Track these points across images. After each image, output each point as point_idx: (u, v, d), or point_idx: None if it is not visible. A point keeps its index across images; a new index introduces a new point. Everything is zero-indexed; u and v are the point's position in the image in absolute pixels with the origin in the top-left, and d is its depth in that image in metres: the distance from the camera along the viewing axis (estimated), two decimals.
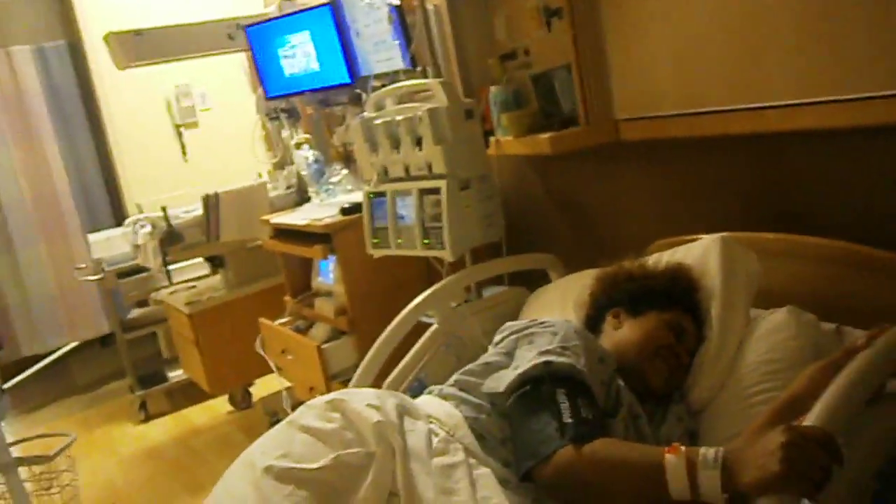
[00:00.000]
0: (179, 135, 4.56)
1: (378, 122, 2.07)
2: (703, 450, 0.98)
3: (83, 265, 3.86)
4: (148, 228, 3.18)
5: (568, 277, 1.92)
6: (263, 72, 3.18)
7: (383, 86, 2.39)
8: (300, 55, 2.96)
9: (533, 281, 2.02)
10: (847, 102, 1.38)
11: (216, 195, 3.14)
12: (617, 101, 1.92)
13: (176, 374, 3.82)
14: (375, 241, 2.17)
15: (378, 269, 2.31)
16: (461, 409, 1.27)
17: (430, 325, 1.87)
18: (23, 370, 4.11)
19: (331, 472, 1.12)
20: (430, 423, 1.24)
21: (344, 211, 2.48)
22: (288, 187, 3.36)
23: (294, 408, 1.32)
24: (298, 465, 1.13)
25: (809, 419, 0.95)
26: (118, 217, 4.35)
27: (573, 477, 1.09)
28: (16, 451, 2.32)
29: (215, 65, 4.18)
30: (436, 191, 1.96)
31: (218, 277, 3.51)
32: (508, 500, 1.11)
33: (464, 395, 1.31)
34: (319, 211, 2.70)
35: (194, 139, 4.57)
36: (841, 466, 0.90)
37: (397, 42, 2.47)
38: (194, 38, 3.34)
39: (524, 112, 2.14)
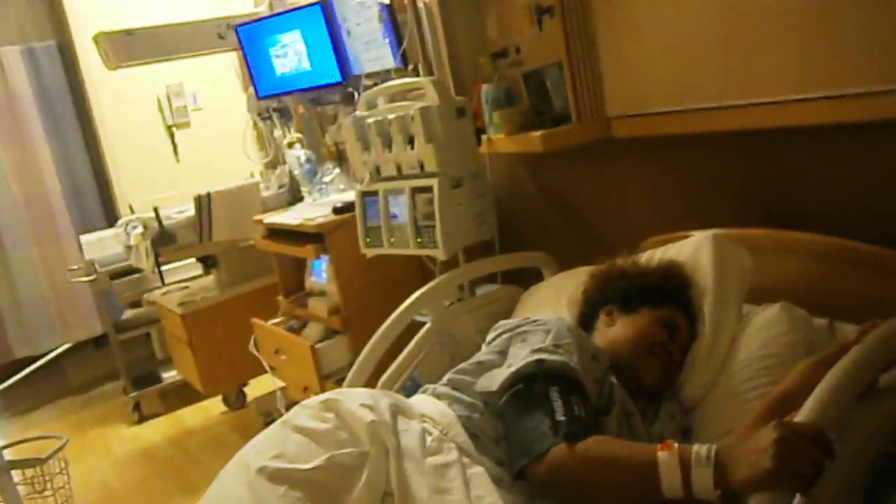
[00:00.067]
0: (171, 135, 4.54)
1: (370, 120, 2.07)
2: (695, 447, 0.98)
3: (75, 266, 3.84)
4: (140, 229, 3.17)
5: (561, 275, 1.92)
6: (255, 71, 3.17)
7: (375, 84, 2.39)
8: (291, 54, 2.95)
9: (526, 279, 2.02)
10: (838, 99, 1.39)
11: (208, 195, 3.13)
12: (609, 98, 1.92)
13: (170, 375, 3.82)
14: (368, 240, 2.17)
15: (371, 268, 2.31)
16: (454, 408, 1.27)
17: (423, 324, 1.87)
18: (16, 372, 4.09)
19: (324, 472, 1.12)
20: (424, 422, 1.24)
21: (336, 210, 2.47)
22: (280, 187, 3.35)
23: (288, 408, 1.32)
24: (292, 466, 1.13)
25: (801, 415, 0.95)
26: (110, 218, 4.34)
27: (567, 475, 1.10)
28: (8, 454, 2.31)
29: (207, 65, 4.16)
30: (428, 189, 1.96)
31: (211, 278, 3.50)
32: (502, 499, 1.12)
33: (457, 394, 1.31)
34: (312, 210, 2.70)
35: (186, 139, 4.55)
36: (833, 461, 0.90)
37: (388, 41, 2.47)
38: (185, 38, 3.33)
39: (516, 110, 2.13)
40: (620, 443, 1.16)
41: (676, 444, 1.00)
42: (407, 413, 1.25)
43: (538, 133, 1.96)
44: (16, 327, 4.27)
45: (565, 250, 2.13)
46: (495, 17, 2.24)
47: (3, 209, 4.20)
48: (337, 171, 2.96)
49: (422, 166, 1.98)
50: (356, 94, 2.65)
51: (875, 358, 1.04)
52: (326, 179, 2.94)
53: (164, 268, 3.30)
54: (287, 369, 2.75)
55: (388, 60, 2.50)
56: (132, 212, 3.49)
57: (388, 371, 1.78)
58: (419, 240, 2.01)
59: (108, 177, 4.47)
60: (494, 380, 1.26)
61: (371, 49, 2.59)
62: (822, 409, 0.95)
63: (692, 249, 1.53)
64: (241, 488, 1.14)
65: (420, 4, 2.35)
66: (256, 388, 3.53)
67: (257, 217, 2.96)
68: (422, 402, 1.33)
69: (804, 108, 1.45)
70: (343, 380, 1.81)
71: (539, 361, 1.22)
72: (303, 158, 3.05)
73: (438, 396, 1.33)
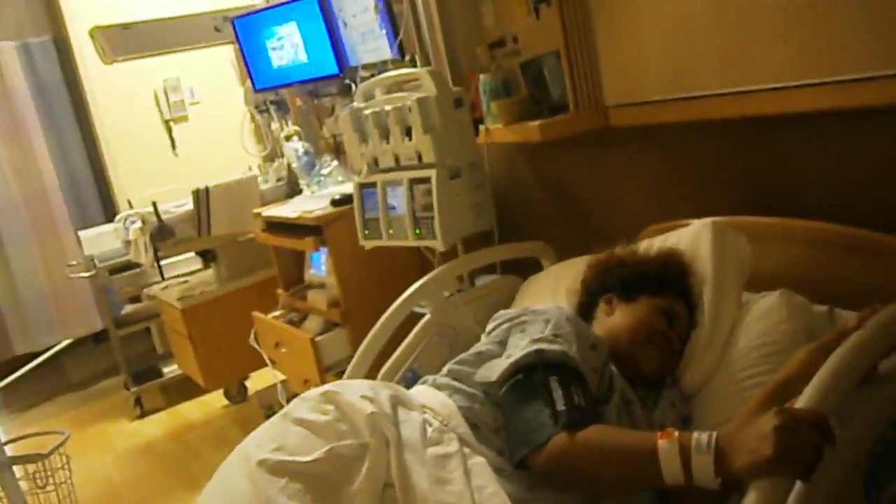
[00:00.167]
0: (169, 129, 4.52)
1: (367, 112, 2.06)
2: (695, 434, 0.98)
3: (74, 262, 3.83)
4: (138, 224, 3.16)
5: (560, 265, 1.91)
6: (251, 64, 3.16)
7: (372, 76, 2.38)
8: (288, 47, 2.94)
9: (525, 269, 2.02)
10: (837, 84, 1.38)
11: (206, 189, 3.12)
12: (606, 87, 1.92)
13: (170, 370, 3.81)
14: (367, 232, 2.17)
15: (370, 260, 2.31)
16: (455, 398, 1.27)
17: (422, 315, 1.87)
18: (16, 369, 4.09)
19: (325, 464, 1.12)
20: (425, 413, 1.24)
21: (335, 202, 2.47)
22: (278, 180, 3.35)
23: (289, 401, 1.32)
24: (292, 458, 1.13)
25: (801, 401, 0.95)
26: (108, 213, 4.32)
27: (567, 464, 1.09)
28: (10, 450, 2.31)
29: (203, 58, 4.15)
30: (426, 180, 1.95)
31: (210, 272, 3.49)
32: (503, 489, 1.11)
33: (457, 384, 1.31)
34: (310, 203, 2.69)
35: (184, 133, 4.54)
36: (833, 447, 0.90)
37: (385, 31, 2.46)
38: (181, 31, 3.32)
39: (513, 100, 2.13)
40: (620, 431, 1.16)
41: (676, 432, 1.00)
42: (407, 404, 1.25)
43: (536, 123, 1.95)
44: (15, 324, 4.27)
45: (564, 240, 2.13)
46: (492, 7, 2.23)
47: (1, 206, 4.19)
48: (335, 163, 2.96)
49: (420, 157, 1.97)
50: (353, 86, 2.64)
51: (875, 344, 1.03)
52: (324, 172, 2.93)
53: (163, 262, 3.29)
54: (287, 362, 2.75)
55: (385, 51, 2.49)
56: (130, 207, 3.48)
57: (388, 363, 1.78)
58: (418, 231, 2.00)
59: (105, 172, 4.46)
60: (494, 370, 1.26)
61: (368, 40, 2.58)
62: (822, 395, 0.95)
63: (691, 237, 1.52)
64: (242, 481, 1.14)
65: None
66: (257, 381, 3.54)
67: (256, 210, 2.95)
68: (422, 393, 1.33)
69: (802, 94, 1.44)
70: (343, 372, 1.80)
71: (539, 351, 1.22)
72: (301, 151, 3.04)
73: (438, 387, 1.32)
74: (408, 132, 1.97)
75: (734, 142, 1.71)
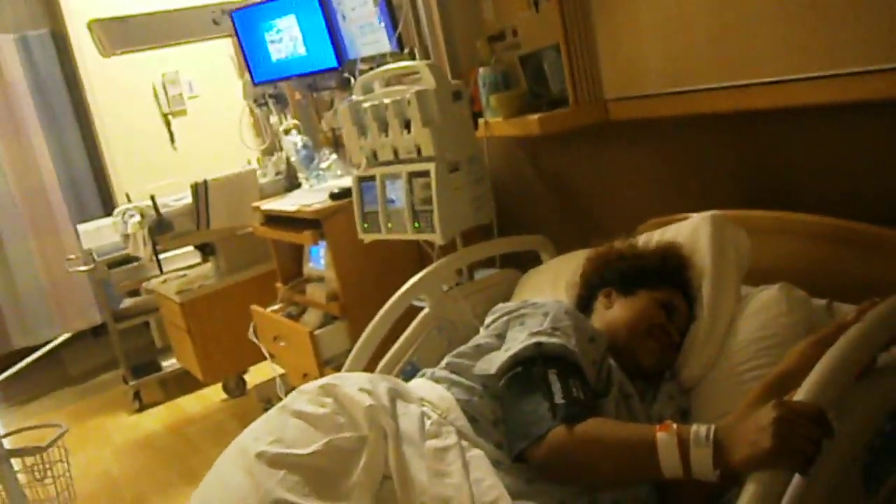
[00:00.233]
0: (167, 123, 4.52)
1: (366, 105, 2.06)
2: (694, 427, 0.98)
3: (73, 256, 3.83)
4: (137, 218, 3.16)
5: (559, 258, 1.91)
6: (250, 57, 3.15)
7: (371, 69, 2.37)
8: (287, 40, 2.93)
9: (524, 262, 2.01)
10: (836, 78, 1.38)
11: (205, 183, 3.12)
12: (606, 80, 1.91)
13: (169, 364, 3.81)
14: (365, 225, 2.16)
15: (369, 253, 2.31)
16: (453, 391, 1.27)
17: (421, 308, 1.87)
18: (15, 363, 4.09)
19: (323, 456, 1.12)
20: (423, 406, 1.24)
21: (333, 196, 2.46)
22: (277, 173, 3.34)
23: (288, 395, 1.32)
24: (290, 451, 1.13)
25: (800, 394, 0.95)
26: (107, 207, 4.32)
27: (566, 457, 1.09)
28: (8, 443, 2.31)
29: (202, 51, 4.15)
30: (425, 174, 1.95)
31: (209, 265, 3.49)
32: (501, 482, 1.11)
33: (455, 377, 1.30)
34: (309, 196, 2.69)
35: (182, 127, 4.54)
36: (832, 440, 0.90)
37: (384, 24, 2.45)
38: (179, 24, 3.31)
39: (513, 93, 2.12)
40: (619, 424, 1.16)
41: (675, 425, 1.00)
42: (405, 397, 1.25)
43: (535, 116, 1.95)
44: (14, 318, 4.27)
45: (563, 233, 2.13)
46: (491, 0, 2.22)
47: (0, 200, 4.19)
48: (334, 156, 2.95)
49: (419, 150, 1.96)
50: (352, 79, 2.63)
51: (873, 337, 1.03)
52: (323, 165, 2.92)
53: (161, 256, 3.29)
54: (286, 356, 2.75)
55: (384, 44, 2.48)
56: (129, 200, 3.48)
57: (387, 356, 1.78)
58: (417, 224, 2.00)
59: (104, 166, 4.45)
60: (493, 363, 1.26)
61: (367, 33, 2.57)
62: (821, 388, 0.95)
63: (690, 231, 1.52)
64: (240, 473, 1.13)
65: None
66: (256, 375, 3.54)
67: (255, 204, 2.95)
68: (420, 386, 1.33)
69: (801, 87, 1.44)
70: (342, 366, 1.80)
71: (537, 344, 1.22)
72: (299, 145, 3.03)
73: (437, 380, 1.32)
74: (407, 125, 1.96)
75: (733, 136, 1.70)
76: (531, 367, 1.21)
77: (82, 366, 4.40)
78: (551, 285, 1.75)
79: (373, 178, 2.09)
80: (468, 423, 1.21)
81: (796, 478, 0.92)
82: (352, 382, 1.24)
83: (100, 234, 3.70)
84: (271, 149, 3.54)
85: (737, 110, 1.60)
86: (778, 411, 0.91)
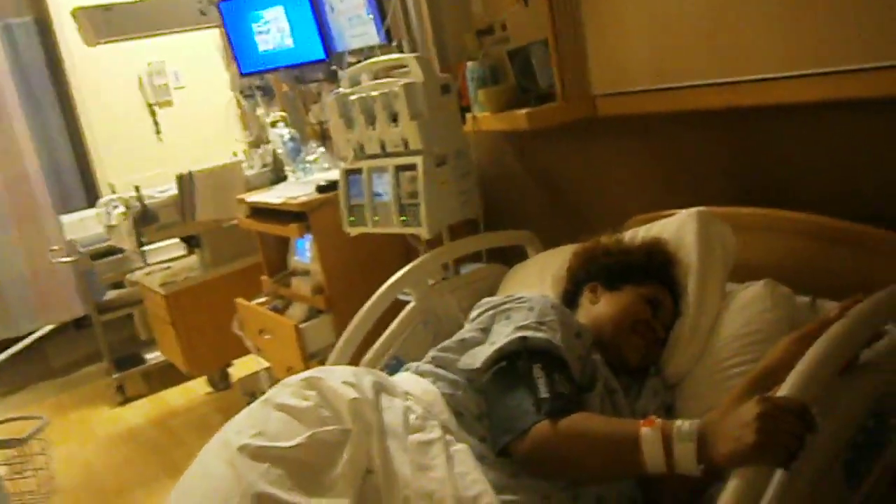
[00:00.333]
0: (153, 113, 4.48)
1: (353, 98, 2.05)
2: (678, 422, 0.98)
3: (56, 247, 3.79)
4: (121, 209, 3.13)
5: (545, 253, 1.91)
6: (237, 48, 3.12)
7: (358, 61, 2.36)
8: (274, 31, 2.91)
9: (510, 257, 2.01)
10: (823, 76, 1.38)
11: (190, 174, 3.09)
12: (594, 76, 1.91)
13: (153, 356, 3.79)
14: (352, 218, 2.15)
15: (355, 247, 2.29)
16: (438, 385, 1.27)
17: (407, 302, 1.86)
18: None
19: (306, 449, 1.11)
20: (407, 399, 1.23)
21: (320, 189, 2.45)
22: (264, 166, 3.32)
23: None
24: (273, 444, 1.12)
25: (784, 390, 0.95)
26: (91, 198, 4.28)
27: (550, 451, 1.09)
28: None
29: (189, 42, 4.10)
30: (412, 167, 1.94)
31: (194, 258, 3.46)
32: (485, 476, 1.11)
33: (440, 371, 1.30)
34: (295, 189, 2.67)
35: (168, 118, 4.50)
36: (815, 435, 0.90)
37: (372, 17, 2.44)
38: (165, 14, 3.27)
39: (501, 88, 2.12)
40: (603, 419, 1.16)
41: (659, 420, 1.00)
42: (390, 391, 1.25)
43: (523, 111, 1.94)
44: None
45: (550, 228, 2.13)
46: None
47: None
48: (321, 149, 2.93)
49: (406, 144, 1.96)
50: (340, 72, 2.61)
51: (856, 334, 1.04)
52: (310, 158, 2.91)
53: (146, 248, 3.26)
54: (271, 349, 2.74)
55: (372, 37, 2.47)
56: (113, 191, 3.45)
57: (372, 350, 1.77)
58: (403, 218, 1.99)
59: (88, 156, 4.41)
60: (478, 357, 1.26)
61: (355, 25, 2.55)
62: (804, 383, 0.95)
63: (676, 227, 1.52)
64: (222, 466, 1.12)
65: None
66: (241, 368, 3.52)
67: (240, 196, 2.92)
68: (405, 379, 1.32)
69: (790, 85, 1.44)
70: (327, 360, 1.80)
71: (523, 338, 1.22)
72: (286, 137, 3.01)
73: (422, 374, 1.32)
74: (394, 118, 1.96)
75: (721, 132, 1.71)
76: (516, 361, 1.20)
77: (65, 358, 4.36)
78: (537, 280, 1.75)
79: (360, 171, 2.08)
80: (452, 417, 1.21)
81: (779, 473, 0.92)
82: (336, 376, 1.24)
83: (83, 224, 3.67)
84: (258, 141, 3.51)
85: (725, 107, 1.60)
86: (762, 407, 0.91)
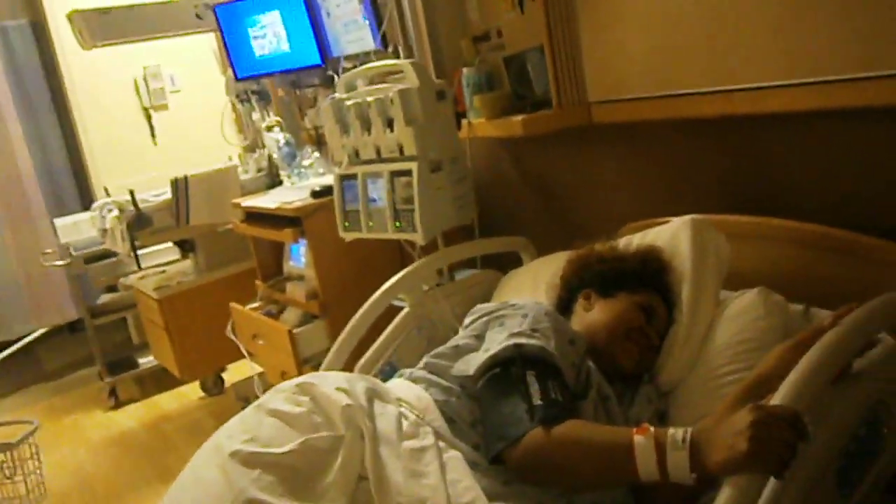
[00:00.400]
0: (148, 117, 4.47)
1: (349, 103, 2.04)
2: (671, 430, 0.98)
3: (49, 250, 3.77)
4: (115, 212, 3.12)
5: (540, 260, 1.91)
6: (233, 53, 3.12)
7: (354, 67, 2.36)
8: (270, 36, 2.91)
9: (505, 263, 2.01)
10: (818, 85, 1.39)
11: (185, 178, 3.09)
12: (589, 83, 1.92)
13: (146, 361, 3.77)
14: (346, 224, 2.15)
15: (349, 252, 2.29)
16: (431, 392, 1.26)
17: (401, 308, 1.86)
18: None
19: (298, 456, 1.11)
20: (401, 406, 1.23)
21: (315, 194, 2.45)
22: (259, 170, 3.31)
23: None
24: (265, 450, 1.11)
25: (777, 398, 0.95)
26: (85, 201, 4.26)
27: (543, 459, 1.09)
28: None
29: (185, 46, 4.10)
30: (407, 173, 1.94)
31: (188, 262, 3.45)
32: (478, 483, 1.11)
33: (433, 378, 1.30)
34: (290, 194, 2.67)
35: (164, 122, 4.49)
36: (807, 444, 0.90)
37: (368, 22, 2.44)
38: (162, 18, 3.27)
39: (496, 94, 2.12)
40: (596, 427, 1.16)
41: (652, 428, 1.00)
42: (383, 397, 1.24)
43: (519, 118, 1.95)
44: None
45: (544, 235, 2.13)
46: (476, 0, 2.22)
47: None
48: (316, 154, 2.93)
49: (401, 150, 1.95)
50: (335, 77, 2.61)
51: (849, 342, 1.04)
52: (305, 163, 2.91)
53: (140, 252, 3.25)
54: (265, 354, 2.73)
55: (368, 42, 2.47)
56: (108, 195, 3.43)
57: (366, 356, 1.77)
58: (398, 224, 1.99)
59: (83, 159, 4.39)
60: (471, 364, 1.26)
61: (351, 31, 2.56)
62: (797, 392, 0.95)
63: (670, 234, 1.53)
64: (214, 472, 1.12)
65: None
66: (234, 373, 3.50)
67: (235, 201, 2.92)
68: (398, 386, 1.32)
69: (785, 94, 1.45)
70: (321, 365, 1.79)
71: (517, 345, 1.21)
72: (282, 142, 3.01)
73: (415, 380, 1.32)
74: (389, 124, 1.95)
75: (715, 140, 1.71)
76: (510, 368, 1.20)
77: (57, 362, 4.34)
78: (532, 287, 1.75)
79: (354, 176, 2.08)
80: (445, 424, 1.21)
81: (772, 481, 0.92)
82: (329, 382, 1.23)
83: (77, 228, 3.65)
84: (253, 145, 3.51)
85: (720, 115, 1.60)
86: (755, 415, 0.91)
